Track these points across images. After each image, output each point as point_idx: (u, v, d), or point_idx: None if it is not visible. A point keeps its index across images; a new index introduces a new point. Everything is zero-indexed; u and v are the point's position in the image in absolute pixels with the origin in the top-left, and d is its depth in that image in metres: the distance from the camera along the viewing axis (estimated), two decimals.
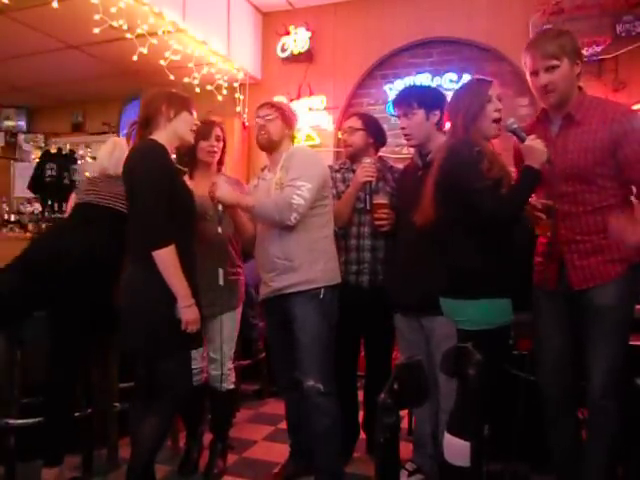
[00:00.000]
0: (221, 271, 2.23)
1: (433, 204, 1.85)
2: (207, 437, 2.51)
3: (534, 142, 1.73)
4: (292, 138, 2.30)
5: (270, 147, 2.24)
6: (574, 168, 1.76)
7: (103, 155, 2.36)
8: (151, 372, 1.95)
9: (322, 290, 2.09)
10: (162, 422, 1.90)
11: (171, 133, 1.96)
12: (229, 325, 2.40)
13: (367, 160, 2.34)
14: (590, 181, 1.75)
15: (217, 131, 2.43)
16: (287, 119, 2.24)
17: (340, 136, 2.56)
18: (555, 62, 1.75)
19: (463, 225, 1.82)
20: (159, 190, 1.82)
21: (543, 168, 1.74)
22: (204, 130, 2.32)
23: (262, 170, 2.34)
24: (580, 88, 1.84)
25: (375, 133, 2.54)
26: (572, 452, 1.88)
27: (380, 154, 2.63)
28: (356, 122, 2.53)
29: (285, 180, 2.10)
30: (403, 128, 2.22)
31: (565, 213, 1.79)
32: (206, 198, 2.12)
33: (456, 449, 1.69)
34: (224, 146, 2.47)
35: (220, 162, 2.49)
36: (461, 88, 1.99)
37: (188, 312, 1.83)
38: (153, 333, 1.84)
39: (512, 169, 1.96)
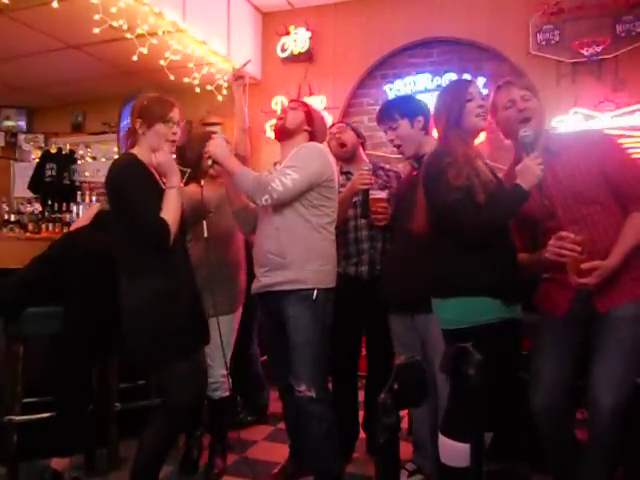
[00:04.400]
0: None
1: (425, 213, 1.83)
2: (207, 437, 2.51)
3: (532, 162, 1.70)
4: (311, 137, 2.23)
5: (282, 133, 2.21)
6: (575, 192, 1.77)
7: None
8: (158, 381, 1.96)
9: (315, 291, 2.05)
10: (160, 430, 1.86)
11: (146, 148, 1.91)
12: (223, 330, 2.35)
13: (365, 167, 2.33)
14: (595, 200, 1.76)
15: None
16: (309, 115, 2.22)
17: (330, 135, 2.54)
18: (529, 94, 1.87)
19: (444, 225, 1.79)
20: (147, 193, 1.81)
21: (535, 194, 1.72)
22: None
23: (274, 165, 2.30)
24: None
25: (360, 135, 2.65)
26: (570, 464, 1.85)
27: (372, 152, 2.68)
28: (343, 124, 2.64)
29: None
30: (392, 140, 2.26)
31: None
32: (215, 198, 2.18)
33: (451, 450, 1.69)
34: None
35: None
36: (442, 92, 1.96)
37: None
38: (150, 344, 1.82)
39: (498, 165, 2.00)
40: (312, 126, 2.23)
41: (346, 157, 2.56)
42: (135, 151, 1.91)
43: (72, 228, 2.73)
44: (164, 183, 1.93)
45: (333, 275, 2.16)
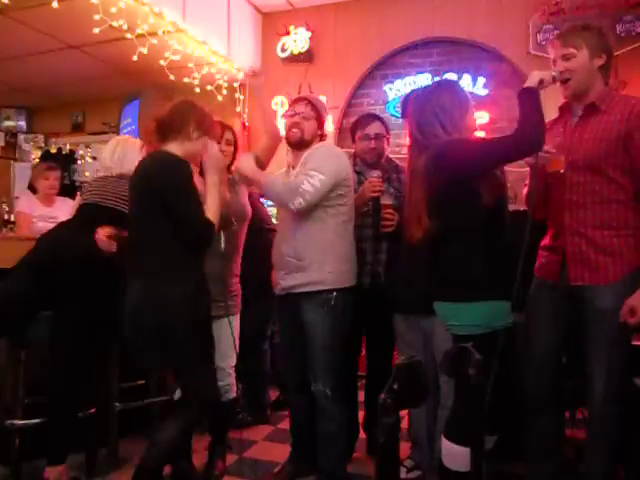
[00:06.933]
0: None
1: (427, 216, 1.78)
2: (206, 439, 2.51)
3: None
4: (321, 138, 2.26)
5: (301, 145, 2.21)
6: (586, 157, 1.76)
7: (106, 155, 2.37)
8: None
9: (334, 296, 2.08)
10: (177, 427, 1.87)
11: (182, 152, 1.90)
12: (236, 329, 2.34)
13: (374, 174, 2.30)
14: (601, 171, 1.74)
15: (228, 135, 2.39)
16: (321, 121, 2.24)
17: (365, 137, 2.45)
18: (572, 50, 1.78)
19: (457, 228, 1.77)
20: (195, 194, 1.83)
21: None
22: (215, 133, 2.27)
23: (292, 168, 2.28)
24: (607, 84, 1.82)
25: (387, 130, 2.54)
26: (544, 452, 1.88)
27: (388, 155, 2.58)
28: (383, 129, 2.49)
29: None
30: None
31: (573, 203, 1.78)
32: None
33: (455, 454, 1.69)
34: (236, 150, 2.43)
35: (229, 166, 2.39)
36: (442, 90, 1.88)
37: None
38: (179, 351, 1.82)
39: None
40: (323, 129, 2.26)
41: (372, 162, 2.45)
42: (168, 149, 1.90)
43: None
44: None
45: (352, 273, 2.18)
